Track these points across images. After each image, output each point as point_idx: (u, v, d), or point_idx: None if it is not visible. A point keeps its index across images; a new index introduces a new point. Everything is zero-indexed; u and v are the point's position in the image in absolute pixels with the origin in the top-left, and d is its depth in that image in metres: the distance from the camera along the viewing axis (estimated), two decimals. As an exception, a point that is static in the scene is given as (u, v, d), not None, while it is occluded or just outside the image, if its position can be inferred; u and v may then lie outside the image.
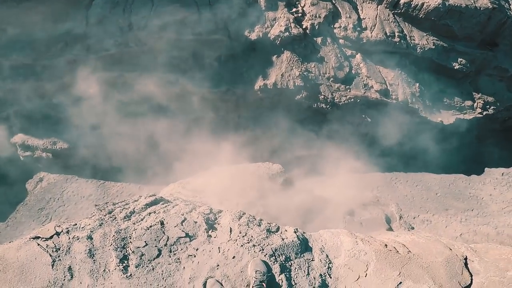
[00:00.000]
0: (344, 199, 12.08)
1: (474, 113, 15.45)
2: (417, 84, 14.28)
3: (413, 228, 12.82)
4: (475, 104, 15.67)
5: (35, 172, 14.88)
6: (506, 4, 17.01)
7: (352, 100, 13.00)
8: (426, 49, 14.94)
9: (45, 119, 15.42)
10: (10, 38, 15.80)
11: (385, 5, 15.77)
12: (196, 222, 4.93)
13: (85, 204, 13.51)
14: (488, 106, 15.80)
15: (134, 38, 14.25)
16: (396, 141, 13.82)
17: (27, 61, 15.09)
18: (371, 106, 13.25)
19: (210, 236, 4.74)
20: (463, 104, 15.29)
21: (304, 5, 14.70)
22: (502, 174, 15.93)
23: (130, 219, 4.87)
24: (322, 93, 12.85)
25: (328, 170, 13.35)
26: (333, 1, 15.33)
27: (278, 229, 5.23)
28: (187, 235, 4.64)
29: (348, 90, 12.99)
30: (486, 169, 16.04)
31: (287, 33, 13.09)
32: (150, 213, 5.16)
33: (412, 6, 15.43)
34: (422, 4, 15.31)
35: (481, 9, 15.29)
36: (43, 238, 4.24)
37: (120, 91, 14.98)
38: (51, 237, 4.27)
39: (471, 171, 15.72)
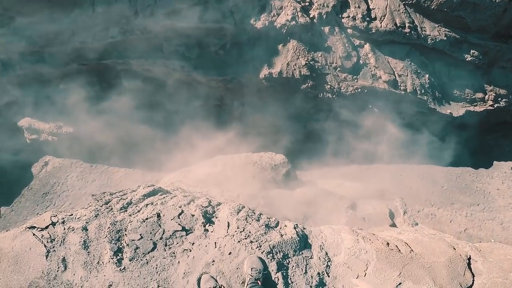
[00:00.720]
0: (347, 192, 11.76)
1: (485, 105, 14.67)
2: (427, 76, 13.54)
3: (417, 224, 12.50)
4: (487, 97, 14.85)
5: (40, 155, 14.93)
6: None
7: (359, 90, 12.43)
8: (437, 40, 14.07)
9: (51, 104, 15.39)
10: (18, 26, 15.62)
11: (396, -6, 14.83)
12: (193, 216, 4.72)
13: (88, 189, 13.54)
14: (500, 99, 14.97)
15: (139, 25, 13.86)
16: (403, 133, 13.29)
17: (35, 49, 15.01)
18: (378, 97, 12.65)
19: (207, 230, 4.54)
20: (473, 96, 14.51)
21: (312, -7, 13.91)
22: (511, 168, 15.31)
23: (126, 211, 4.69)
24: (329, 83, 12.29)
25: (331, 161, 13.01)
26: (342, -11, 14.47)
27: (277, 224, 5.00)
28: (183, 228, 4.44)
29: (355, 80, 12.40)
30: (494, 162, 15.40)
31: (294, 22, 12.42)
32: (147, 205, 4.97)
33: (425, -4, 14.47)
34: (435, -5, 14.35)
35: (497, 1, 14.33)
36: (38, 228, 4.10)
37: (126, 77, 14.76)
38: (47, 227, 4.13)
39: (479, 165, 15.13)
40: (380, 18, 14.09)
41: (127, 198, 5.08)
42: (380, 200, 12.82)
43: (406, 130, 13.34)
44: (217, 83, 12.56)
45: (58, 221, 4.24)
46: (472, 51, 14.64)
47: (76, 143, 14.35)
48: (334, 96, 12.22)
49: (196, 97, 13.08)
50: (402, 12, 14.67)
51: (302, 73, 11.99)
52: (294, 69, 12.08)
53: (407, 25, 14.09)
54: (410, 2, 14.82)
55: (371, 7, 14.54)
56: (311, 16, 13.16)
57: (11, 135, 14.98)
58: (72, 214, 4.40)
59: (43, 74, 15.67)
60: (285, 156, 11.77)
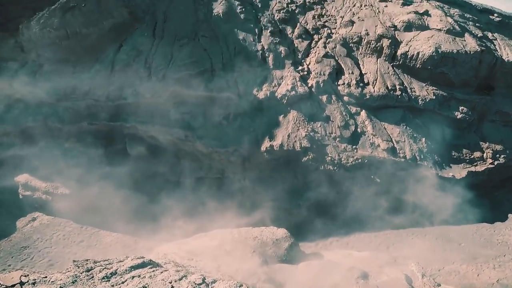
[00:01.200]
0: (357, 262, 11.17)
1: (485, 164, 14.71)
2: (423, 139, 13.74)
3: (439, 285, 11.68)
4: (485, 155, 14.97)
5: (30, 211, 14.52)
6: (492, 45, 17.21)
7: (360, 160, 12.47)
8: (427, 100, 14.61)
9: (54, 162, 15.34)
10: (43, 74, 16.30)
11: (384, 58, 15.75)
12: None
13: (73, 249, 12.79)
14: (498, 155, 15.08)
15: (151, 89, 14.45)
16: (409, 198, 13.04)
17: (51, 100, 15.52)
18: (379, 166, 12.65)
19: None
20: (472, 156, 14.58)
21: (309, 62, 14.73)
22: None
23: (109, 281, 4.27)
24: (329, 154, 12.38)
25: (337, 231, 12.55)
26: (336, 58, 15.36)
27: None
28: None
29: (355, 150, 12.52)
30: (509, 215, 14.92)
31: (294, 92, 12.95)
32: (133, 277, 4.53)
33: (409, 56, 15.42)
34: (418, 53, 15.29)
35: (471, 52, 15.35)
36: (3, 285, 3.66)
37: (131, 143, 14.92)
38: (13, 286, 3.69)
39: (494, 219, 14.64)
40: (373, 83, 14.76)
41: (112, 267, 4.65)
42: (393, 266, 12.08)
43: (412, 194, 13.11)
44: (219, 155, 12.64)
45: (28, 281, 3.80)
46: (460, 108, 15.12)
47: (70, 205, 14.02)
48: (336, 168, 12.22)
49: (198, 169, 13.04)
50: (392, 74, 15.43)
51: (302, 145, 12.15)
52: (295, 141, 12.26)
53: (397, 87, 14.72)
54: (398, 63, 15.73)
55: (363, 71, 15.34)
56: (309, 85, 13.76)
57: (4, 188, 14.70)
58: (46, 277, 3.96)
59: (52, 129, 15.91)
60: (288, 229, 11.37)
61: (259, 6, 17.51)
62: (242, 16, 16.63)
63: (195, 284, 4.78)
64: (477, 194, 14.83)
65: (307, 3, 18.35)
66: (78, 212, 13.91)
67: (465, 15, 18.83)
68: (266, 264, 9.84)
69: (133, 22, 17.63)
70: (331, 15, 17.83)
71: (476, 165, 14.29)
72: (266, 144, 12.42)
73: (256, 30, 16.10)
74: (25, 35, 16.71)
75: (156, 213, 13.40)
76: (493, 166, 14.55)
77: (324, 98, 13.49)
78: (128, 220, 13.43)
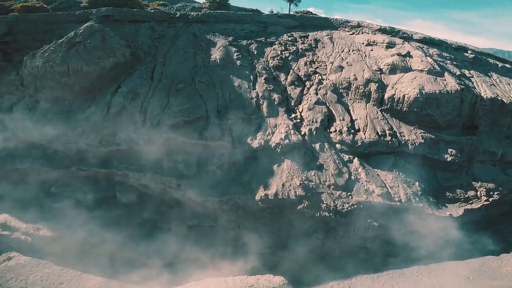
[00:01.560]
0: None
1: (480, 201, 14.62)
2: (417, 183, 13.81)
3: None
4: (479, 193, 14.95)
5: (6, 250, 13.66)
6: (470, 82, 17.86)
7: (355, 206, 12.39)
8: (416, 144, 14.90)
9: (38, 205, 14.73)
10: (38, 111, 16.10)
11: (373, 103, 16.29)
12: None
13: None
14: (491, 193, 15.09)
15: (145, 136, 14.36)
16: (409, 238, 12.78)
17: (42, 142, 15.21)
18: (375, 210, 12.56)
19: None
20: (466, 195, 14.61)
21: (302, 110, 15.12)
22: None
23: None
24: (324, 202, 12.29)
25: (337, 275, 12.08)
26: (327, 104, 15.84)
27: None
28: None
29: (350, 197, 12.47)
30: None
31: (287, 141, 13.10)
32: None
33: (396, 99, 15.95)
34: (404, 96, 15.84)
35: (452, 92, 15.91)
36: None
37: (121, 191, 14.49)
38: None
39: (499, 251, 14.30)
40: (363, 129, 15.10)
41: None
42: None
43: (411, 235, 12.88)
44: (212, 204, 12.41)
45: None
46: (449, 150, 15.37)
47: (52, 247, 13.29)
48: (331, 214, 12.10)
49: (190, 217, 12.72)
50: (381, 119, 15.85)
51: (297, 194, 12.07)
52: (289, 190, 12.20)
53: (387, 132, 15.05)
54: (386, 107, 16.22)
55: (353, 117, 15.74)
56: (302, 133, 13.99)
57: None
58: None
59: (39, 172, 15.45)
60: (285, 276, 10.98)
61: (255, 53, 18.31)
62: (238, 62, 17.27)
63: None
64: (477, 229, 14.63)
65: (299, 50, 19.27)
66: (60, 255, 13.19)
67: (443, 54, 19.78)
68: None
69: (133, 63, 18.09)
70: (322, 61, 18.67)
71: (472, 203, 14.30)
72: (260, 193, 12.28)
73: (251, 77, 16.64)
74: (28, 67, 16.91)
75: (145, 260, 12.76)
76: (489, 202, 14.55)
77: (317, 146, 13.66)
78: (116, 265, 12.73)
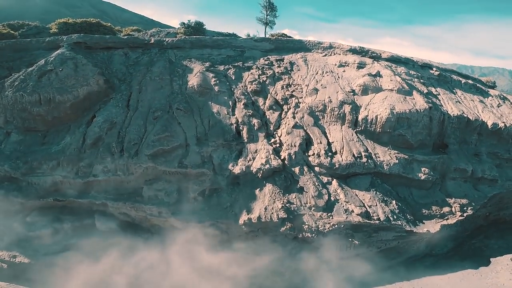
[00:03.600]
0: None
1: (455, 217, 15.89)
2: (394, 202, 15.00)
3: None
4: (453, 209, 16.29)
5: None
6: (437, 100, 19.14)
7: (336, 226, 13.24)
8: (391, 164, 16.22)
9: (13, 234, 14.32)
10: (10, 145, 15.63)
11: (348, 125, 17.65)
12: None
13: None
14: (465, 208, 16.45)
15: (123, 166, 14.53)
16: (390, 255, 13.68)
17: (16, 175, 14.94)
18: (356, 229, 13.45)
19: None
20: (442, 211, 15.93)
21: (281, 134, 16.15)
22: (511, 259, 15.90)
23: None
24: (306, 223, 13.05)
25: None
26: (305, 128, 17.03)
27: None
28: None
29: (331, 217, 13.34)
30: (491, 259, 15.72)
31: (268, 165, 13.91)
32: None
33: (369, 121, 17.31)
34: (376, 117, 17.25)
35: (421, 110, 17.26)
36: None
37: (100, 219, 14.45)
38: None
39: (477, 265, 15.35)
40: (340, 151, 16.29)
41: None
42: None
43: (391, 251, 13.79)
44: (195, 229, 12.75)
45: None
46: (423, 169, 16.76)
47: (29, 273, 12.93)
48: (314, 235, 12.85)
49: (173, 242, 12.91)
50: (356, 141, 17.12)
51: (279, 216, 12.77)
52: (272, 213, 12.87)
53: (363, 154, 16.27)
54: (360, 129, 17.57)
55: (330, 140, 16.92)
56: (282, 157, 14.90)
57: None
58: None
59: (13, 203, 14.94)
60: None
61: (233, 78, 19.38)
62: (216, 88, 18.18)
63: None
64: (455, 244, 15.79)
65: (276, 73, 20.66)
66: (38, 281, 13.05)
67: (410, 72, 21.37)
68: None
69: (108, 91, 18.38)
70: (298, 84, 20.09)
71: (447, 218, 15.59)
72: (244, 217, 12.83)
73: (230, 102, 17.58)
74: None
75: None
76: (463, 217, 15.89)
77: (297, 170, 14.59)
78: None
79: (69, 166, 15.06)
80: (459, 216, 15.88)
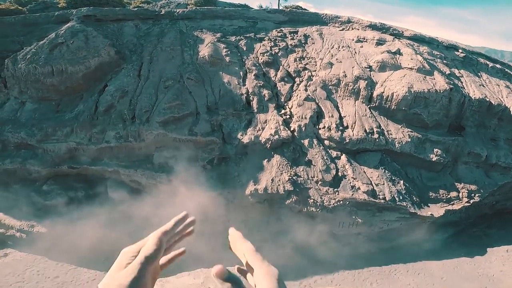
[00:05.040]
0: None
1: (461, 202, 15.76)
2: (401, 182, 14.87)
3: None
4: (460, 194, 16.08)
5: (1, 247, 14.49)
6: (459, 82, 18.65)
7: (341, 202, 13.38)
8: (403, 143, 15.95)
9: (30, 203, 15.31)
10: (25, 113, 16.48)
11: (362, 100, 17.28)
12: None
13: (47, 284, 12.75)
14: (473, 195, 16.24)
15: (134, 133, 15.02)
16: (391, 236, 13.91)
17: (31, 142, 15.69)
18: (360, 207, 13.59)
19: None
20: (449, 196, 15.76)
21: (292, 106, 16.01)
22: (507, 251, 15.96)
23: None
24: (312, 197, 13.23)
25: (321, 270, 13.09)
26: (317, 101, 16.79)
27: None
28: None
29: (337, 193, 13.45)
30: (488, 249, 15.90)
31: (277, 136, 13.95)
32: None
33: (384, 97, 16.92)
34: (392, 94, 16.81)
35: (441, 91, 16.76)
36: None
37: (112, 187, 15.15)
38: None
39: (473, 253, 15.55)
40: (352, 126, 16.09)
41: None
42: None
43: (393, 233, 14.00)
44: (203, 198, 13.19)
45: None
46: (435, 150, 16.44)
47: (46, 243, 13.99)
48: (318, 210, 13.05)
49: (181, 211, 13.35)
50: (369, 117, 16.87)
51: (286, 189, 12.96)
52: (279, 185, 13.07)
53: (375, 130, 16.05)
54: (374, 105, 17.22)
55: (342, 114, 16.71)
56: (292, 129, 14.88)
57: None
58: None
59: (30, 172, 15.90)
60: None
61: (244, 49, 19.08)
62: (227, 59, 18.01)
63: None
64: (456, 231, 15.91)
65: (289, 46, 20.17)
66: (54, 250, 13.91)
67: (433, 52, 20.60)
68: None
69: (119, 61, 18.58)
70: (312, 57, 19.61)
71: (453, 203, 15.46)
72: (250, 187, 13.11)
73: (241, 73, 17.43)
74: (10, 69, 17.17)
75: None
76: (469, 204, 15.69)
77: (306, 142, 14.57)
78: (109, 259, 13.38)
79: (83, 132, 15.62)
80: (465, 202, 15.70)
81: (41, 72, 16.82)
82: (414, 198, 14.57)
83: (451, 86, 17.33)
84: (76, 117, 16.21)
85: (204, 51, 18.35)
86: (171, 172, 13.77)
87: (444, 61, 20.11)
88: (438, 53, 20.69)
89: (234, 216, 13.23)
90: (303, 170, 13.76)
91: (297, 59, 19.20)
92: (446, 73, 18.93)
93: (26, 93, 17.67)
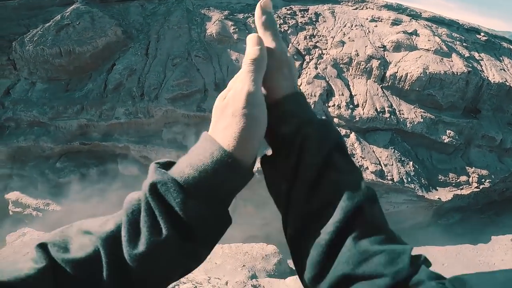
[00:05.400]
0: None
1: (470, 187, 15.48)
2: (411, 163, 14.64)
3: None
4: (470, 179, 15.76)
5: (19, 227, 14.88)
6: (479, 65, 18.04)
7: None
8: (415, 123, 15.59)
9: (45, 180, 15.88)
10: (36, 93, 16.94)
11: (374, 79, 16.84)
12: None
13: None
14: (483, 180, 15.85)
15: (143, 109, 15.23)
16: (395, 218, 13.85)
17: (44, 120, 16.14)
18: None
19: None
20: (458, 180, 15.45)
21: (301, 84, 15.75)
22: (511, 239, 15.83)
23: None
24: (319, 175, 13.16)
25: None
26: (327, 79, 16.45)
27: None
28: None
29: (344, 171, 13.34)
30: (492, 237, 15.75)
31: (285, 114, 13.83)
32: None
33: (398, 77, 16.46)
34: (406, 74, 16.34)
35: (458, 73, 16.24)
36: None
37: (122, 163, 15.50)
38: None
39: (477, 241, 15.40)
40: (362, 104, 15.79)
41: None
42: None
43: (398, 215, 13.92)
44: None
45: None
46: (448, 131, 16.05)
47: (61, 221, 14.53)
48: (325, 187, 12.93)
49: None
50: (381, 96, 16.51)
51: (293, 166, 12.88)
52: (286, 163, 13.00)
53: (386, 109, 15.72)
54: (387, 84, 16.80)
55: (353, 93, 16.39)
56: (299, 107, 14.66)
57: None
58: None
59: (43, 149, 16.45)
60: (277, 246, 12.05)
61: (252, 26, 18.70)
62: (235, 36, 17.74)
63: (187, 292, 5.24)
64: (462, 216, 15.68)
65: (299, 24, 19.63)
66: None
67: (453, 34, 19.85)
68: (255, 277, 10.50)
69: (126, 41, 18.58)
70: (323, 36, 19.08)
71: (462, 188, 15.15)
72: (257, 164, 13.10)
73: (249, 50, 17.15)
74: (18, 52, 17.46)
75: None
76: (479, 190, 15.35)
77: (314, 120, 14.38)
78: None
79: (93, 109, 15.89)
80: (475, 187, 15.36)
81: (49, 54, 16.99)
82: (423, 180, 14.36)
83: (469, 69, 16.75)
84: (85, 95, 16.44)
85: (212, 28, 18.10)
86: (180, 147, 13.95)
87: (464, 44, 19.34)
88: (457, 36, 19.87)
89: (242, 192, 13.35)
90: (311, 148, 13.68)
91: (307, 37, 18.73)
92: (465, 56, 18.24)
93: (36, 74, 17.94)
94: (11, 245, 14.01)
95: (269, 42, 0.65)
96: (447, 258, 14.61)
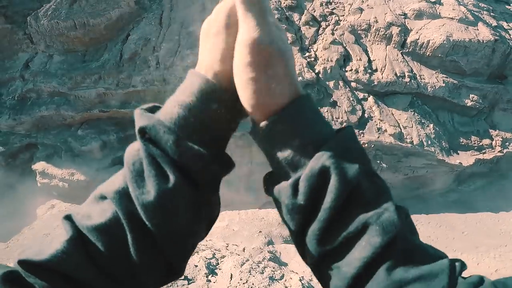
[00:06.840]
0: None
1: (493, 151, 15.14)
2: (431, 125, 14.40)
3: None
4: (494, 143, 15.41)
5: (48, 199, 15.63)
6: (507, 34, 17.30)
7: (366, 145, 13.28)
8: (436, 87, 15.21)
9: (68, 149, 16.71)
10: (54, 65, 17.66)
11: (394, 45, 16.37)
12: (196, 266, 5.08)
13: None
14: (507, 143, 15.46)
15: (159, 77, 15.64)
16: (414, 184, 13.80)
17: (63, 90, 16.78)
18: (386, 151, 13.43)
19: (210, 281, 4.92)
20: (481, 143, 15.13)
21: (317, 49, 15.53)
22: None
23: None
24: (335, 138, 13.19)
25: None
26: (344, 44, 16.14)
27: (282, 277, 5.29)
28: (185, 277, 4.80)
29: (362, 135, 13.31)
30: None
31: (301, 78, 13.79)
32: None
33: (419, 44, 15.94)
34: (428, 41, 15.78)
35: (484, 41, 15.57)
36: None
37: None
38: None
39: (499, 208, 14.99)
40: (381, 69, 15.48)
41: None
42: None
43: (417, 181, 13.83)
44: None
45: None
46: (471, 95, 15.58)
47: (86, 191, 15.20)
48: (342, 150, 12.96)
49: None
50: (401, 61, 16.11)
51: (309, 129, 12.95)
52: (302, 125, 13.07)
53: (406, 74, 15.37)
54: (407, 50, 16.32)
55: (371, 58, 16.05)
56: (316, 71, 14.60)
57: (23, 177, 15.87)
58: None
59: (65, 117, 17.20)
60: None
61: (267, -7, 18.41)
62: (249, 2, 17.53)
63: (206, 258, 5.53)
64: (484, 183, 15.36)
65: (315, -10, 19.15)
66: None
67: (480, 4, 18.97)
68: (271, 243, 10.84)
69: (139, 11, 18.78)
70: (339, 2, 18.58)
71: (485, 152, 14.83)
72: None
73: (263, 17, 16.97)
74: (33, 26, 17.97)
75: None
76: (502, 154, 14.95)
77: (331, 84, 14.30)
78: None
79: (110, 78, 16.37)
80: (498, 151, 14.93)
81: (64, 27, 17.41)
82: (443, 143, 14.12)
83: (496, 37, 16.01)
84: (102, 65, 16.90)
85: (225, -5, 17.96)
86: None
87: (492, 14, 18.42)
88: (485, 6, 18.93)
89: (258, 158, 13.68)
90: (327, 111, 13.68)
91: (323, 4, 18.29)
92: (493, 25, 17.39)
93: (53, 47, 18.45)
94: (41, 218, 14.83)
95: (252, 28, 0.49)
96: (467, 226, 14.38)
